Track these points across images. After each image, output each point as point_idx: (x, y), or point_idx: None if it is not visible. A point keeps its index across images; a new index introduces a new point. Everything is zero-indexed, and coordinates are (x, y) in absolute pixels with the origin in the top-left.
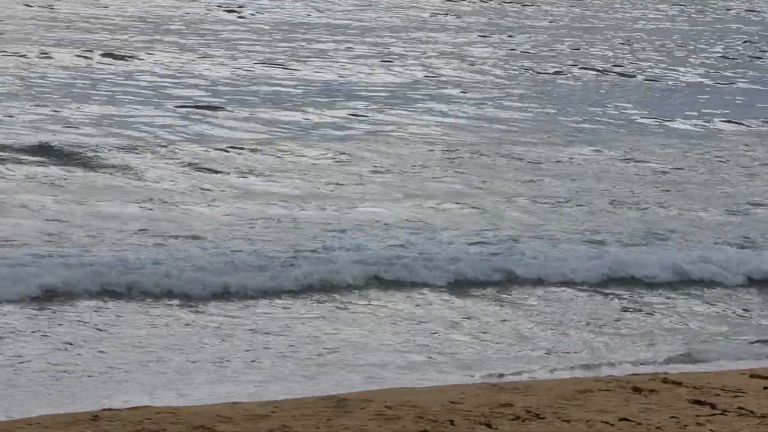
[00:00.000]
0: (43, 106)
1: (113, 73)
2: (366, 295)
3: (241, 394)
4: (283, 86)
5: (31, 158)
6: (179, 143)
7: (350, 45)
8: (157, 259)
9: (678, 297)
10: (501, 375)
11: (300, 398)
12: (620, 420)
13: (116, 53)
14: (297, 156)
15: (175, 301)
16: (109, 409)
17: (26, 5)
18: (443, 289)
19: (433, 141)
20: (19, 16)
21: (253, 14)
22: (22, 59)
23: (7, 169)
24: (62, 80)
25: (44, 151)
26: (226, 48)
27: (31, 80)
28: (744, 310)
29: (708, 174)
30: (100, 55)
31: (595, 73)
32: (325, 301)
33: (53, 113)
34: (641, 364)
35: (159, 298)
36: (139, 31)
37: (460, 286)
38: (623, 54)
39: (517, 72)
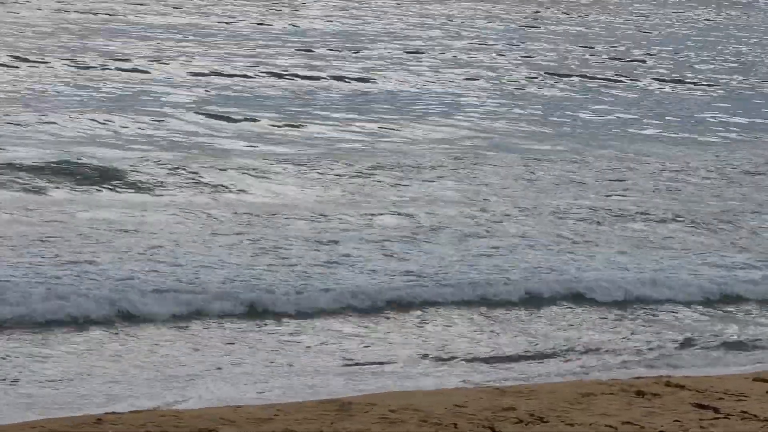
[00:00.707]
0: (46, 115)
1: (122, 82)
2: (371, 308)
3: (244, 398)
4: (286, 93)
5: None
6: (188, 151)
7: (352, 50)
8: (164, 271)
9: (684, 307)
10: (504, 378)
11: (303, 401)
12: (623, 423)
13: (123, 60)
14: (298, 162)
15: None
16: (113, 413)
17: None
18: (447, 301)
19: (436, 144)
20: (20, 22)
21: (257, 23)
22: (21, 66)
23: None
24: (67, 89)
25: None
26: (229, 55)
27: (33, 89)
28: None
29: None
30: (105, 62)
31: (604, 80)
32: (327, 310)
33: (59, 123)
34: (644, 367)
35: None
36: (147, 39)
37: (461, 296)
38: (631, 59)
39: (520, 76)
